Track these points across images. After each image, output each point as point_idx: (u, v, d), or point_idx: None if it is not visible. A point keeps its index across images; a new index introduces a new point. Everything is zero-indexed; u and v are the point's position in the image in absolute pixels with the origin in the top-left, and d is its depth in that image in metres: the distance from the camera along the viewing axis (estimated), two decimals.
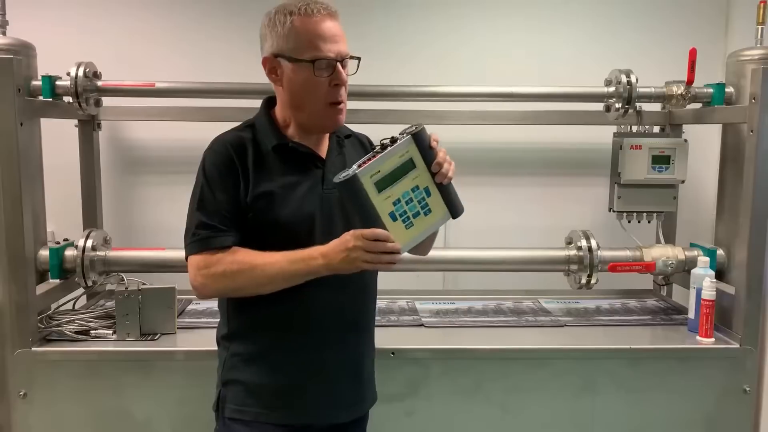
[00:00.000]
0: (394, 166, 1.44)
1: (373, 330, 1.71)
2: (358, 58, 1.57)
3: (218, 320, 1.65)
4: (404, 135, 1.46)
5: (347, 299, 1.57)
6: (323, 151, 1.60)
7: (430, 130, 1.49)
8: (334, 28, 1.50)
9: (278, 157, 1.54)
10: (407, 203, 1.46)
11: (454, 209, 1.51)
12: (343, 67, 1.52)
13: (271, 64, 1.54)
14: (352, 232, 1.43)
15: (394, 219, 1.45)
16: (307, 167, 1.56)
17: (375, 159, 1.43)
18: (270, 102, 1.63)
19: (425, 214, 1.48)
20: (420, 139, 1.46)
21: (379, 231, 1.41)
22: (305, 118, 1.55)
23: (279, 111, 1.61)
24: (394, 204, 1.45)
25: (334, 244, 1.44)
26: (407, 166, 1.45)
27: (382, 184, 1.43)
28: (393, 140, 1.46)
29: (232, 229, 1.50)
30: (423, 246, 1.60)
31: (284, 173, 1.54)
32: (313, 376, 1.55)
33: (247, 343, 1.57)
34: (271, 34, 1.51)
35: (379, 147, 1.46)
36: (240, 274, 1.47)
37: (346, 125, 1.71)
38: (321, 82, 1.50)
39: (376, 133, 1.85)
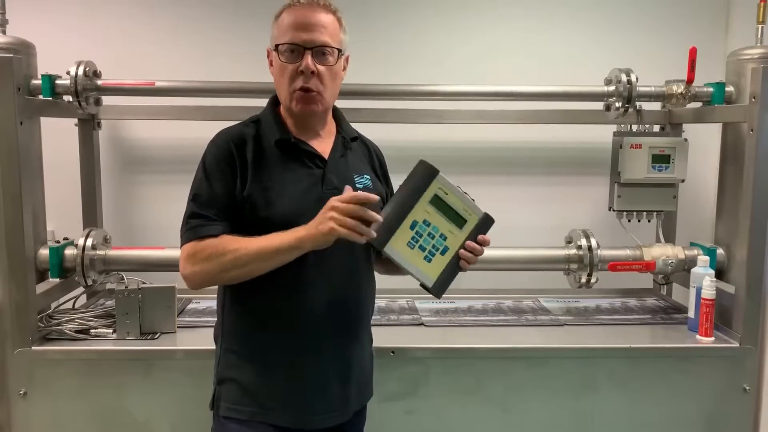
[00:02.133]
0: (454, 207, 1.52)
1: (370, 329, 1.70)
2: (338, 50, 1.55)
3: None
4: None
5: (343, 297, 1.56)
6: (326, 151, 1.60)
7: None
8: (310, 17, 1.51)
9: (280, 153, 1.55)
10: (429, 235, 1.51)
11: (438, 286, 1.53)
12: (320, 55, 1.52)
13: (269, 57, 1.60)
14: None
15: (412, 228, 1.50)
16: (309, 166, 1.56)
17: (458, 186, 1.52)
18: (277, 99, 1.64)
19: (425, 258, 1.51)
20: (484, 222, 1.55)
21: (359, 193, 1.40)
22: (283, 102, 1.58)
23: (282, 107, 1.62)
24: (425, 222, 1.50)
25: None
26: (459, 220, 1.53)
27: (437, 203, 1.51)
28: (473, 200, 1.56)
29: (223, 220, 1.49)
30: (394, 268, 1.58)
31: (284, 170, 1.53)
32: (309, 377, 1.54)
33: (241, 341, 1.56)
34: (272, 29, 1.57)
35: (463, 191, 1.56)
36: (224, 255, 1.45)
37: (355, 129, 1.71)
38: (285, 66, 1.52)
39: (378, 132, 1.86)
